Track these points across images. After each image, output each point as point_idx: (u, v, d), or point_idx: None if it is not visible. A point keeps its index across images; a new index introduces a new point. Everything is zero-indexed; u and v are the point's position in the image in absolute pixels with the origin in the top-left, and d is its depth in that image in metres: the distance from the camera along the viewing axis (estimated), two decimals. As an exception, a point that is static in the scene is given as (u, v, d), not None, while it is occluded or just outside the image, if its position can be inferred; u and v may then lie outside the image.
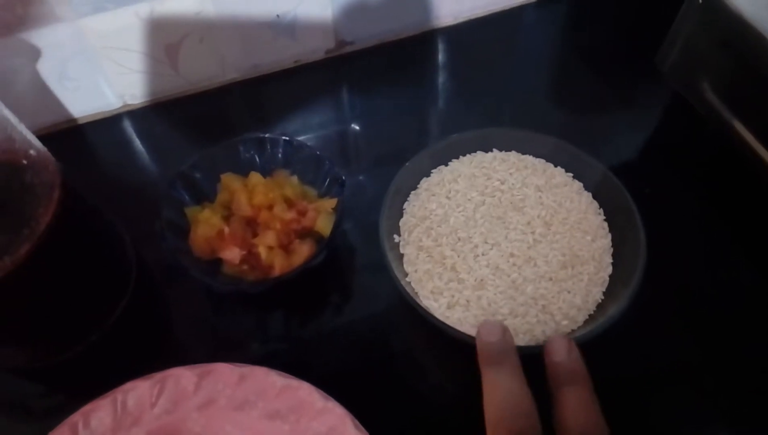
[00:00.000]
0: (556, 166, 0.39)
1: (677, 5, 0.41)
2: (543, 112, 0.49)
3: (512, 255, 0.34)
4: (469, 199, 0.37)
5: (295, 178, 0.40)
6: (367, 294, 0.39)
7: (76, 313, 0.36)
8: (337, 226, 0.36)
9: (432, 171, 0.39)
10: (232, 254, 0.36)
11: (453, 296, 0.33)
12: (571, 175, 0.39)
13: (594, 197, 0.38)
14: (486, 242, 0.35)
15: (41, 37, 0.43)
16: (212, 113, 0.49)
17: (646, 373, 0.35)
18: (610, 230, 0.36)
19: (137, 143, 0.48)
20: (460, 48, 0.54)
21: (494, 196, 0.37)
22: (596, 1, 0.57)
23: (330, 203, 0.38)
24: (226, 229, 0.37)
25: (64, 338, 0.36)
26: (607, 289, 0.34)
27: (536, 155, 0.39)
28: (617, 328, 0.31)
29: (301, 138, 0.42)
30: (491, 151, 0.39)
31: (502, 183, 0.37)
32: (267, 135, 0.41)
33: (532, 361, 0.29)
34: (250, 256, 0.37)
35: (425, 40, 0.54)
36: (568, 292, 0.33)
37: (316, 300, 0.39)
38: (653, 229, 0.34)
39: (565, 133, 0.39)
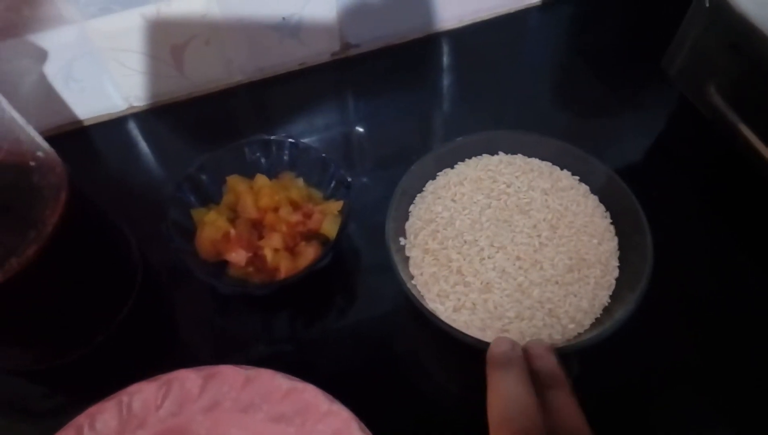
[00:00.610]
0: (562, 169, 0.39)
1: (683, 8, 0.41)
2: (548, 115, 0.49)
3: (518, 258, 0.34)
4: (475, 202, 0.37)
5: (300, 181, 0.40)
6: (372, 296, 0.39)
7: (82, 314, 0.36)
8: (342, 229, 0.36)
9: (438, 174, 0.39)
10: (237, 257, 0.36)
11: (459, 299, 0.33)
12: (578, 178, 0.38)
13: (600, 200, 0.38)
14: (492, 245, 0.35)
15: (47, 39, 0.43)
16: (217, 115, 0.49)
17: (651, 375, 0.35)
18: (617, 233, 0.36)
19: (143, 145, 0.48)
20: (465, 51, 0.54)
21: (500, 199, 0.37)
22: (601, 4, 0.57)
23: (336, 206, 0.38)
24: (232, 232, 0.37)
25: (69, 340, 0.36)
26: (614, 292, 0.34)
27: (542, 158, 0.39)
28: (623, 331, 0.31)
29: (306, 140, 0.42)
30: (497, 154, 0.39)
31: (508, 186, 0.37)
32: (273, 137, 0.41)
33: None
34: (256, 258, 0.37)
35: (430, 42, 0.54)
36: (575, 295, 0.33)
37: (321, 302, 0.39)
38: (659, 232, 0.34)
39: (571, 136, 0.39)
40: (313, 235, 0.37)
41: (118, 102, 0.49)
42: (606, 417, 0.28)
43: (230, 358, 0.34)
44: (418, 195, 0.38)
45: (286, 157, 0.41)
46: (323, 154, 0.40)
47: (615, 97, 0.50)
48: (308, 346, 0.37)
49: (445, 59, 0.54)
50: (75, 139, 0.48)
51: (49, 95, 0.46)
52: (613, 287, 0.34)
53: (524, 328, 0.32)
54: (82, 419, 0.32)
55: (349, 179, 0.38)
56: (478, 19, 0.56)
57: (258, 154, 0.41)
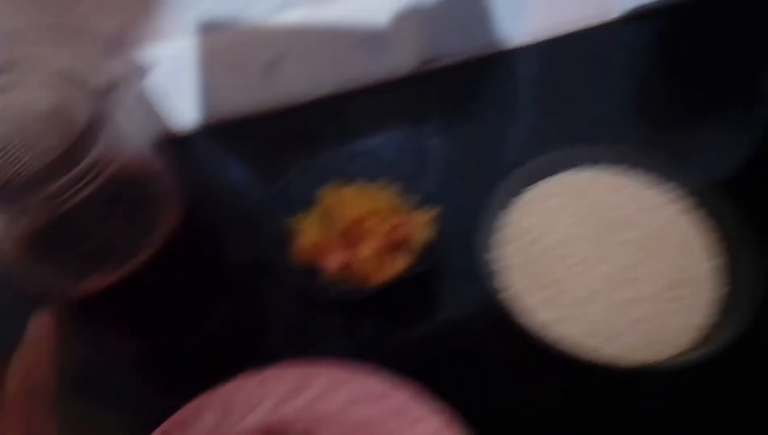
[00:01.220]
0: (660, 184, 0.38)
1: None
2: (640, 130, 0.48)
3: (614, 275, 0.34)
4: (569, 216, 0.36)
5: (390, 191, 0.41)
6: (462, 306, 0.39)
7: (187, 311, 0.38)
8: (433, 239, 0.37)
9: (530, 187, 0.39)
10: (332, 263, 0.37)
11: (552, 314, 0.33)
12: (677, 193, 0.37)
13: (701, 217, 0.36)
14: (587, 261, 0.34)
15: (151, 53, 0.46)
16: (303, 128, 0.51)
17: (757, 403, 0.34)
18: (720, 251, 0.35)
19: (236, 155, 0.50)
20: (548, 64, 0.54)
21: (595, 214, 0.36)
22: (688, 19, 0.55)
23: (426, 216, 0.38)
24: (326, 239, 0.38)
25: (175, 333, 0.38)
26: (718, 312, 0.33)
27: (639, 173, 0.38)
28: (725, 355, 0.30)
29: (393, 151, 0.43)
30: (592, 168, 0.39)
31: (603, 201, 0.37)
32: (362, 148, 0.42)
33: (633, 382, 0.28)
34: (348, 265, 0.38)
35: (512, 56, 0.54)
36: (674, 314, 0.32)
37: (409, 309, 0.40)
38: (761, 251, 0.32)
39: (666, 152, 0.38)
40: (403, 244, 0.38)
41: (210, 113, 0.52)
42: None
43: (322, 358, 0.35)
44: (511, 206, 0.38)
45: (375, 167, 0.42)
46: (411, 165, 0.41)
47: (710, 113, 0.48)
48: (396, 352, 0.38)
49: (528, 72, 0.54)
50: (174, 148, 0.51)
51: (151, 107, 0.50)
52: (716, 307, 0.33)
53: (619, 347, 0.32)
54: (185, 412, 0.34)
55: (438, 190, 0.39)
56: (562, 33, 0.55)
57: (347, 164, 0.42)
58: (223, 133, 0.52)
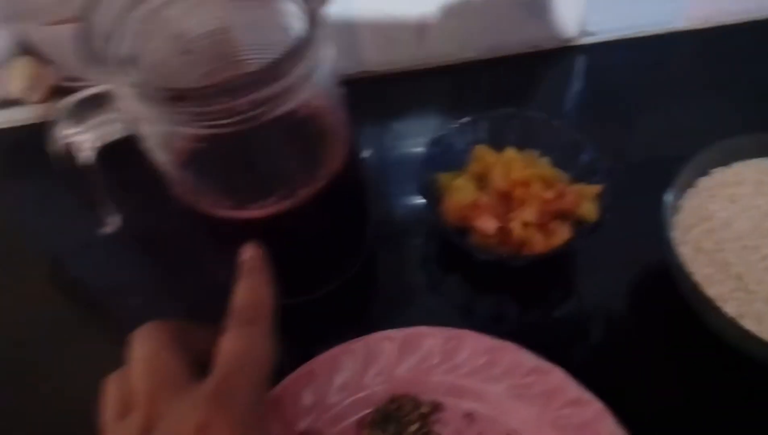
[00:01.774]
0: None
1: None
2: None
3: (813, 274, 0.30)
4: (756, 206, 0.33)
5: (546, 159, 0.39)
6: (618, 288, 0.37)
7: (331, 254, 0.37)
8: (603, 213, 0.34)
9: (712, 171, 0.35)
10: (487, 224, 0.35)
11: (740, 307, 0.30)
12: None
13: None
14: (781, 255, 0.31)
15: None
16: (451, 88, 0.50)
17: None
18: None
19: (387, 107, 0.49)
20: (712, 49, 0.50)
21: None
22: None
23: (594, 189, 0.36)
24: (482, 199, 0.36)
25: (317, 277, 0.37)
26: None
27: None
28: None
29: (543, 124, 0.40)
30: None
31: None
32: (525, 113, 0.40)
33: None
34: (502, 229, 0.36)
35: (672, 38, 0.51)
36: None
37: (559, 285, 0.38)
38: None
39: None
40: (563, 215, 0.36)
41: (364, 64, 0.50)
42: None
43: (466, 325, 0.34)
44: (690, 189, 0.35)
45: (533, 134, 0.40)
46: (577, 137, 0.38)
47: None
48: (547, 328, 0.36)
49: (690, 55, 0.50)
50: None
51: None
52: None
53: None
54: (334, 352, 0.33)
55: (607, 165, 0.36)
56: (728, 22, 0.51)
57: (504, 127, 0.40)
58: (368, 83, 0.50)
